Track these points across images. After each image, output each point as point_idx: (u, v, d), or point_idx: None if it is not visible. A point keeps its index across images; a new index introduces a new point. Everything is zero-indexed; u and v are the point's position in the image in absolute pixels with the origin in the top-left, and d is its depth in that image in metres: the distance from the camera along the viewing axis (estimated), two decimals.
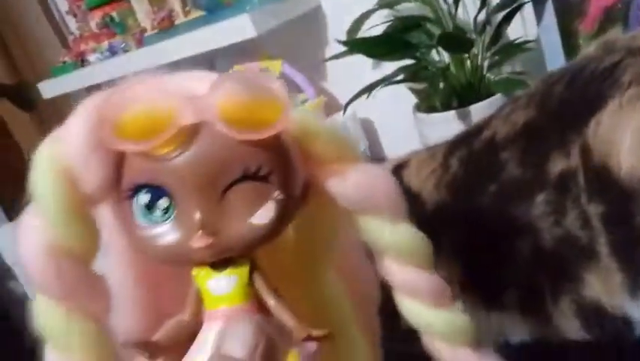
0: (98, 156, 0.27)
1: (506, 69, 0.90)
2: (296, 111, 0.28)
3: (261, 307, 0.28)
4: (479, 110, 0.80)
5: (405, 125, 0.97)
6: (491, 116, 0.52)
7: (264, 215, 0.27)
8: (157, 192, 0.26)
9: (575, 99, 0.46)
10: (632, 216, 0.41)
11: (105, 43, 1.34)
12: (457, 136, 0.55)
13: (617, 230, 0.42)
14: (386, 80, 0.87)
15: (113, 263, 0.32)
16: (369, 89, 0.86)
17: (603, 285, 0.44)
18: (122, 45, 1.31)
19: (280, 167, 0.27)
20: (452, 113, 0.83)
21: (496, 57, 0.86)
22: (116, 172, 0.27)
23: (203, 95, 0.26)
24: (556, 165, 0.44)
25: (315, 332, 0.27)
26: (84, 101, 0.28)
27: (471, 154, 0.50)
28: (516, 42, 0.86)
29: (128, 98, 0.26)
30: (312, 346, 0.28)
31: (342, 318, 0.34)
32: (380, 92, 0.88)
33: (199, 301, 0.28)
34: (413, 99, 0.97)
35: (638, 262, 0.42)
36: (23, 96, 1.69)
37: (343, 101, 0.91)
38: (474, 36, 0.85)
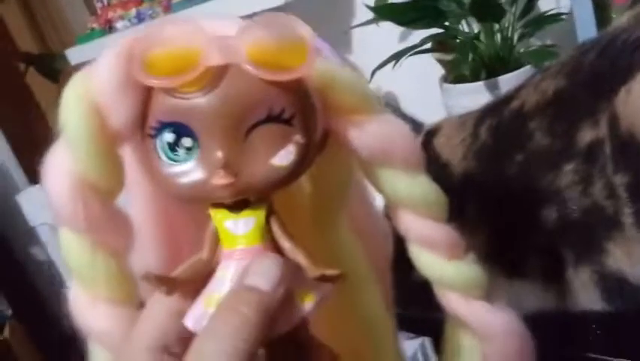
0: (127, 93, 0.28)
1: (536, 42, 0.89)
2: (319, 60, 0.29)
3: (277, 250, 0.29)
4: (508, 82, 0.80)
5: (430, 99, 0.97)
6: (521, 86, 0.52)
7: (285, 157, 0.27)
8: (181, 130, 0.27)
9: (606, 69, 0.46)
10: None
11: (133, 11, 1.34)
12: (487, 105, 0.55)
13: None
14: (414, 49, 0.87)
15: (134, 202, 0.33)
16: (396, 56, 0.86)
17: (626, 255, 0.44)
18: (150, 12, 1.31)
19: (303, 111, 0.27)
20: (480, 84, 0.83)
21: (527, 29, 0.85)
22: (143, 110, 0.28)
23: (232, 36, 0.27)
24: (586, 135, 0.45)
25: (329, 272, 0.28)
26: (117, 40, 0.29)
27: (500, 123, 0.51)
28: (548, 13, 0.85)
29: (159, 36, 0.27)
30: (326, 288, 0.29)
31: (356, 268, 0.35)
32: (405, 65, 0.87)
33: (216, 241, 0.29)
34: (438, 72, 0.96)
35: None
36: (50, 66, 1.71)
37: (369, 73, 0.91)
38: (506, 6, 0.84)
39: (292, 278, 0.28)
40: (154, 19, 1.29)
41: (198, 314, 0.27)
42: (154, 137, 0.28)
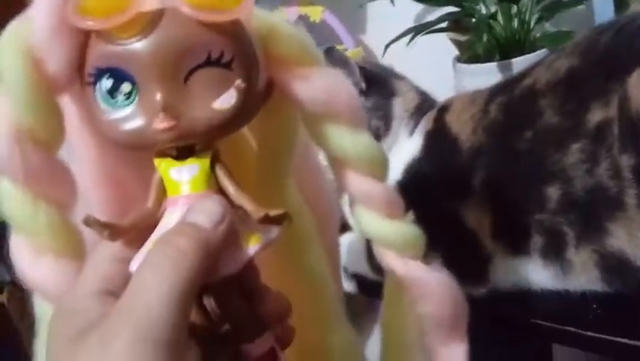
0: (62, 38, 0.28)
1: (552, 28, 0.89)
2: (258, 10, 0.29)
3: (222, 196, 0.29)
4: (522, 64, 0.79)
5: (442, 79, 0.97)
6: (535, 64, 0.53)
7: (225, 100, 0.28)
8: (119, 76, 0.27)
9: (621, 50, 0.47)
10: None
11: None
12: (498, 83, 0.56)
13: None
14: (429, 27, 0.87)
15: (77, 157, 0.32)
16: (411, 31, 0.87)
17: (628, 236, 0.45)
18: None
19: (242, 56, 0.28)
20: (494, 65, 0.83)
21: (545, 12, 0.85)
22: (80, 56, 0.28)
23: None
24: (595, 115, 0.46)
25: (273, 212, 0.28)
26: None
27: (510, 100, 0.52)
28: None
29: None
30: (272, 232, 0.29)
31: (301, 227, 0.35)
32: (419, 44, 0.88)
33: (162, 190, 0.29)
34: (452, 53, 0.96)
35: None
36: None
37: (382, 49, 0.92)
38: None
39: (238, 222, 0.28)
40: None
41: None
42: (92, 84, 0.28)
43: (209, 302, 0.29)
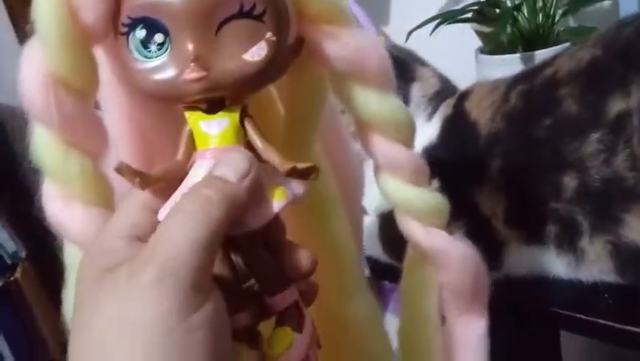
0: None
1: (576, 23, 0.90)
2: None
3: (251, 151, 0.29)
4: (545, 57, 0.80)
5: (464, 70, 0.98)
6: (557, 54, 0.54)
7: (256, 53, 0.28)
8: (153, 27, 0.28)
9: None
10: None
11: None
12: (520, 72, 0.57)
13: None
14: (454, 16, 0.88)
15: (108, 109, 0.33)
16: (435, 19, 0.87)
17: None
18: None
19: (274, 9, 0.28)
20: (517, 56, 0.83)
21: (571, 6, 0.86)
22: (115, 7, 0.29)
23: None
24: (615, 105, 0.46)
25: (301, 165, 0.29)
26: None
27: (531, 89, 0.52)
28: None
29: None
30: (299, 187, 0.30)
31: (325, 192, 0.36)
32: (442, 34, 0.88)
33: (191, 143, 0.30)
34: (475, 45, 0.97)
35: None
36: None
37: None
38: None
39: (265, 177, 0.29)
40: None
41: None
42: (126, 34, 0.29)
43: (235, 255, 0.30)
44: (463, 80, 0.94)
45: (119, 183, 0.30)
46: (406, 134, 0.34)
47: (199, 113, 0.30)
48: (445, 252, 0.35)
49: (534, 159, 0.51)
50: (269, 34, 0.28)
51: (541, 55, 0.82)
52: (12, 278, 1.71)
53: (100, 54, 0.31)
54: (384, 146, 0.33)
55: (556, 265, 0.51)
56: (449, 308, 0.37)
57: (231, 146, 0.29)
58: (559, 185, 0.49)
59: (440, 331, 0.38)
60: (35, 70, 0.29)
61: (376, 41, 0.33)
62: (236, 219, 0.27)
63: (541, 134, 0.50)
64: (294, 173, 0.29)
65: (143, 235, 0.28)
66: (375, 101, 0.32)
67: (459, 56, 1.02)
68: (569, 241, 0.50)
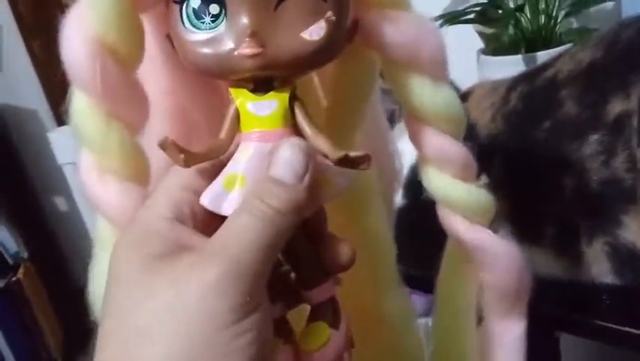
0: None
1: (578, 24, 0.90)
2: None
3: (299, 135, 0.28)
4: (546, 58, 0.81)
5: (465, 70, 0.98)
6: (558, 55, 0.55)
7: (315, 32, 0.27)
8: None
9: None
10: None
11: None
12: (520, 73, 0.57)
13: None
14: (456, 17, 0.88)
15: (147, 78, 0.32)
16: (437, 19, 0.88)
17: None
18: None
19: None
20: (519, 57, 0.84)
21: (573, 7, 0.86)
22: None
23: None
24: (615, 107, 0.47)
25: (353, 153, 0.27)
26: None
27: (532, 90, 0.53)
28: None
29: None
30: (346, 177, 0.29)
31: (365, 185, 0.35)
32: (444, 34, 0.89)
33: (236, 122, 0.29)
34: (477, 46, 0.97)
35: None
36: None
37: None
38: None
39: (315, 165, 0.28)
40: None
41: (215, 193, 0.28)
42: (180, 2, 0.27)
43: None
44: (465, 81, 0.95)
45: (156, 160, 0.30)
46: (457, 128, 0.33)
47: (246, 93, 0.28)
48: (491, 251, 0.34)
49: (534, 161, 0.51)
50: (329, 14, 0.27)
51: (544, 56, 0.82)
52: (14, 278, 1.72)
53: (144, 24, 0.30)
54: (434, 138, 0.32)
55: (554, 266, 0.52)
56: (490, 308, 0.36)
57: (279, 130, 0.28)
58: (558, 187, 0.49)
59: (476, 330, 0.37)
60: (82, 35, 0.28)
61: (435, 28, 0.32)
62: (298, 223, 0.27)
63: (541, 136, 0.50)
64: (346, 162, 0.28)
65: (183, 216, 0.27)
66: (429, 91, 0.31)
67: (461, 57, 1.02)
68: (567, 243, 0.50)
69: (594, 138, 0.47)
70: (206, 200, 0.27)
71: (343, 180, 0.29)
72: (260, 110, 0.28)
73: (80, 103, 0.29)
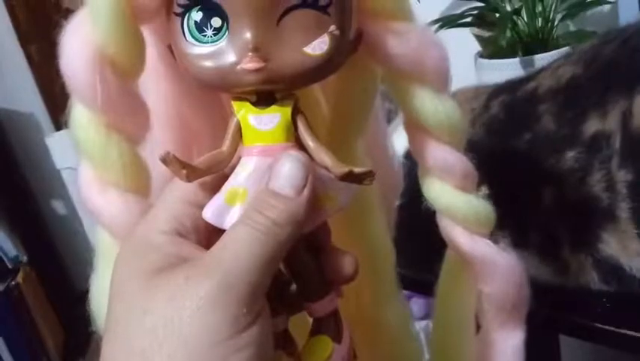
0: None
1: (576, 27, 0.92)
2: None
3: (301, 149, 0.29)
4: (544, 61, 0.82)
5: (463, 75, 1.00)
6: (541, 69, 0.56)
7: (318, 46, 0.27)
8: (210, 10, 0.27)
9: (623, 61, 0.49)
10: None
11: None
12: (504, 82, 0.59)
13: None
14: (454, 20, 0.90)
15: (148, 89, 0.32)
16: (435, 22, 0.90)
17: (621, 247, 0.48)
18: None
19: (340, 1, 0.28)
20: (516, 60, 0.86)
21: (570, 10, 0.88)
22: None
23: None
24: (591, 126, 0.48)
25: (357, 169, 0.28)
26: None
27: (512, 101, 0.55)
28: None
29: None
30: (349, 192, 0.29)
31: (368, 195, 0.35)
32: (441, 38, 0.91)
33: (238, 135, 0.29)
34: (474, 49, 0.99)
35: None
36: None
37: None
38: None
39: (317, 178, 0.28)
40: None
41: (218, 207, 0.28)
42: (181, 15, 0.28)
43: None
44: (462, 85, 0.97)
45: (156, 172, 0.30)
46: (458, 138, 0.33)
47: (248, 106, 0.29)
48: (490, 262, 0.35)
49: (514, 170, 0.52)
50: (332, 28, 0.28)
51: (541, 59, 0.84)
52: (13, 283, 1.75)
53: (145, 35, 0.31)
54: (435, 148, 0.33)
55: (542, 271, 0.53)
56: (488, 318, 0.37)
57: (281, 144, 0.29)
58: (539, 197, 0.51)
59: (474, 339, 0.38)
60: (81, 45, 0.29)
61: (437, 40, 0.32)
62: (297, 236, 0.27)
63: (523, 147, 0.52)
64: (350, 177, 0.28)
65: (185, 230, 0.28)
66: (431, 102, 0.32)
67: (458, 61, 1.04)
68: (551, 251, 0.51)
69: (570, 154, 0.49)
70: (209, 214, 0.28)
71: (346, 195, 0.30)
72: (262, 124, 0.29)
73: (80, 115, 0.30)
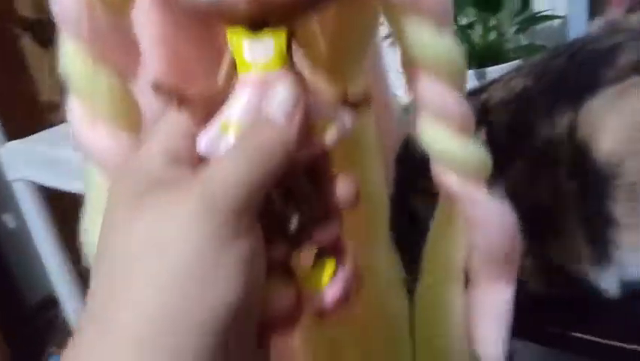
0: None
1: (527, 41, 0.96)
2: None
3: (297, 77, 0.28)
4: (496, 73, 0.86)
5: None
6: (493, 81, 0.59)
7: None
8: None
9: (571, 75, 0.52)
10: (605, 198, 0.47)
11: None
12: None
13: (588, 208, 0.48)
14: None
15: (140, 25, 0.32)
16: (388, 37, 0.92)
17: (569, 253, 0.50)
18: None
19: None
20: (470, 72, 0.89)
21: (522, 25, 0.92)
22: None
23: None
24: (540, 136, 0.50)
25: (352, 95, 0.28)
26: None
27: None
28: (544, 13, 0.91)
29: None
30: (347, 120, 0.29)
31: (365, 139, 0.36)
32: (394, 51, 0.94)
33: (233, 65, 0.29)
34: None
35: (605, 241, 0.49)
36: (44, 33, 1.77)
37: None
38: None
39: (312, 107, 0.28)
40: None
41: (212, 137, 0.28)
42: None
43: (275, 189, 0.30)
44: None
45: (148, 106, 0.30)
46: (459, 78, 0.32)
47: (242, 32, 0.28)
48: (483, 209, 0.34)
49: None
50: None
51: (493, 72, 0.88)
52: None
53: None
54: (434, 87, 0.32)
55: None
56: (478, 271, 0.36)
57: (275, 72, 0.28)
58: None
59: (463, 293, 0.38)
60: None
61: None
62: (287, 162, 0.27)
63: None
64: (347, 103, 0.28)
65: (178, 160, 0.28)
66: (429, 37, 0.31)
67: None
68: None
69: (520, 165, 0.50)
70: (203, 144, 0.28)
71: (342, 125, 0.29)
72: (255, 51, 0.28)
73: (68, 48, 0.30)
